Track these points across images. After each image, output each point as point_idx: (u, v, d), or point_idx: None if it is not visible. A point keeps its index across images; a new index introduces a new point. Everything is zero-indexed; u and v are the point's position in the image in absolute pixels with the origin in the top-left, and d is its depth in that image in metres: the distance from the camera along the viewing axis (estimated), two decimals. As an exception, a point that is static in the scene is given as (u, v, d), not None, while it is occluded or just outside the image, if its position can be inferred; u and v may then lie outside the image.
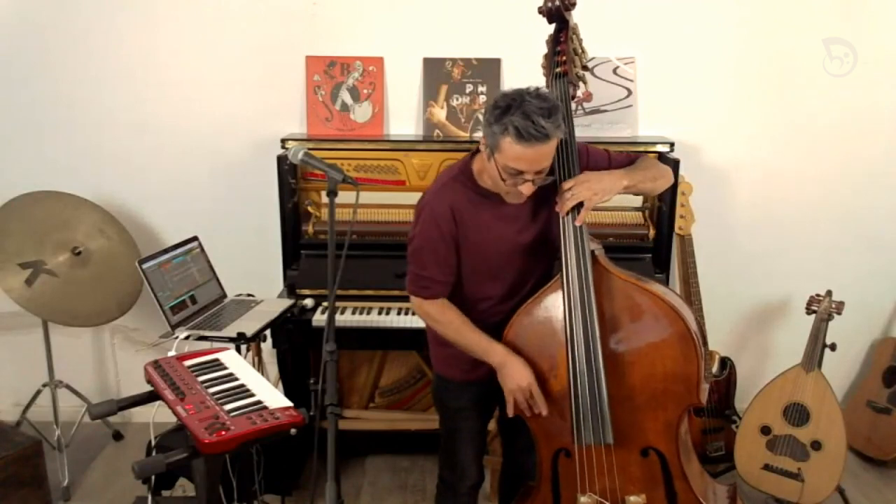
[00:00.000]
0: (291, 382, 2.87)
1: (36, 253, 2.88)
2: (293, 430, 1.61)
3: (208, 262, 2.88)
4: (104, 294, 2.98)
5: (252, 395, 1.72)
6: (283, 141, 2.96)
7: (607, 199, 1.96)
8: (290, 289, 2.96)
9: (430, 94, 3.14)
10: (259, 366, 2.84)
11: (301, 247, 3.01)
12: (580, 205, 1.91)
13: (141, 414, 3.12)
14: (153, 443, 2.34)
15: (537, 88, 1.81)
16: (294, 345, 2.82)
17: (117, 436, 3.40)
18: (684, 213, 3.00)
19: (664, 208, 2.97)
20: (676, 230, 3.00)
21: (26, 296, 2.78)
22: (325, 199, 2.98)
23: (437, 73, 3.13)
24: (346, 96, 3.15)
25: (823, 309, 2.76)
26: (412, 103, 3.19)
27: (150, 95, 3.19)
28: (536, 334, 1.99)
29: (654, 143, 2.96)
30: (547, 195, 1.97)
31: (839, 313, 2.75)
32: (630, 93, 3.15)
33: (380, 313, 2.82)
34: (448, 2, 3.09)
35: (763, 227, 3.34)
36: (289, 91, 3.18)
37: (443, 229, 1.94)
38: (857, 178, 3.28)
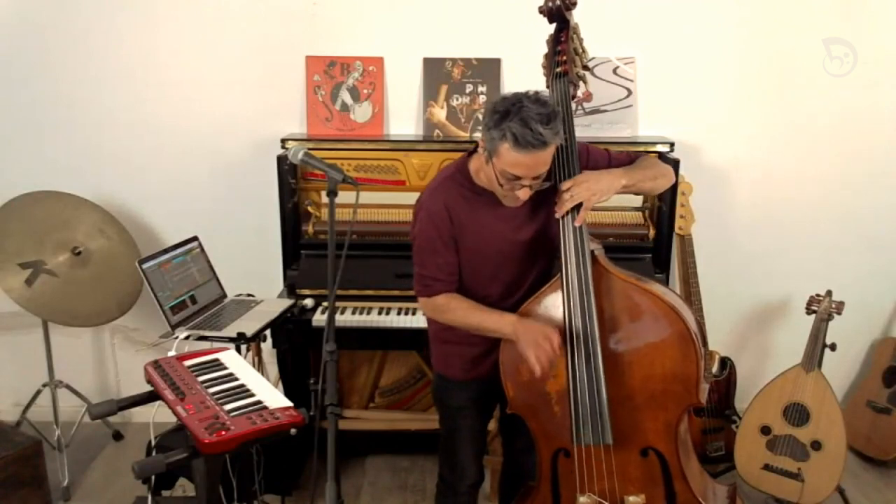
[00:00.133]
0: (291, 382, 2.87)
1: (36, 253, 2.88)
2: (293, 430, 1.61)
3: (208, 262, 2.88)
4: (104, 294, 2.98)
5: (252, 395, 1.72)
6: (283, 141, 2.96)
7: (606, 198, 1.96)
8: (290, 289, 2.96)
9: (430, 94, 3.14)
10: (259, 366, 2.84)
11: (301, 247, 3.01)
12: (579, 205, 1.91)
13: (141, 414, 3.12)
14: (153, 443, 2.34)
15: (537, 92, 1.81)
16: (294, 345, 2.82)
17: (117, 436, 3.40)
18: (684, 213, 3.00)
19: (664, 208, 2.97)
20: (676, 230, 3.00)
21: (26, 296, 2.78)
22: (325, 199, 2.97)
23: (437, 73, 3.13)
24: (346, 96, 3.15)
25: (823, 309, 2.76)
26: (412, 103, 3.19)
27: (150, 95, 3.19)
28: (536, 334, 1.98)
29: (654, 143, 2.95)
30: (546, 193, 1.97)
31: (839, 313, 2.75)
32: (630, 93, 3.15)
33: (380, 313, 2.82)
34: (448, 2, 3.09)
35: (763, 227, 3.34)
36: (289, 91, 3.18)
37: (440, 228, 1.94)
38: (857, 178, 3.28)
